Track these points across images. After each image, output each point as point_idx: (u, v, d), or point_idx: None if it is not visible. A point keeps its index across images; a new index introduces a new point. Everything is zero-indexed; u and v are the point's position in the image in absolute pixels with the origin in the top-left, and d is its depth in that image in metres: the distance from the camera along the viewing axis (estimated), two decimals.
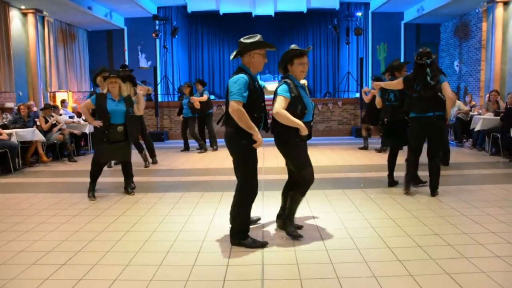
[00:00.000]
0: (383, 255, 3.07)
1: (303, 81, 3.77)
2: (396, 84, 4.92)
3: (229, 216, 3.39)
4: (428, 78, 4.53)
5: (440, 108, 4.57)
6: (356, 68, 12.82)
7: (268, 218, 3.96)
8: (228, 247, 3.26)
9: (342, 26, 13.64)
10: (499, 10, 9.81)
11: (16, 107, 8.32)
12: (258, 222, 3.86)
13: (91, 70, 13.04)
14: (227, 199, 4.67)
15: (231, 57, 3.32)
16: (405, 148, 5.08)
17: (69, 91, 11.99)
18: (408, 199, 4.64)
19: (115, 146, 4.87)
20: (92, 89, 5.08)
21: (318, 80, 15.75)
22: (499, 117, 7.58)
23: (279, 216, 3.74)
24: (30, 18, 10.12)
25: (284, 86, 3.24)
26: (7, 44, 9.33)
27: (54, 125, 8.00)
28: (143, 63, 13.31)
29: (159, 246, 3.34)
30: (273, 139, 3.42)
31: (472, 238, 3.36)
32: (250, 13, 13.12)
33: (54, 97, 11.25)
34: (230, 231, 3.33)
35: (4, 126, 7.29)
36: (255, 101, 3.18)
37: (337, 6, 12.93)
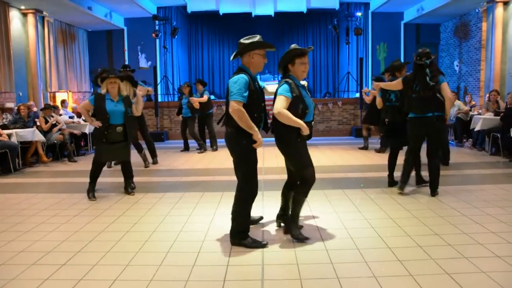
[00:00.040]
0: (383, 255, 3.07)
1: (303, 82, 3.76)
2: (396, 84, 4.92)
3: (230, 216, 3.39)
4: (428, 78, 4.53)
5: (439, 108, 4.57)
6: (356, 68, 12.82)
7: (268, 218, 3.95)
8: (228, 247, 3.26)
9: (342, 26, 13.65)
10: (499, 10, 9.81)
11: (16, 107, 8.32)
12: (259, 222, 3.86)
13: (91, 70, 13.06)
14: (227, 199, 4.68)
15: (231, 58, 3.33)
16: (406, 148, 5.08)
17: (69, 91, 11.99)
18: (408, 199, 4.64)
19: (114, 146, 4.87)
20: (93, 90, 5.09)
21: (318, 80, 15.76)
22: (499, 117, 7.58)
23: (279, 216, 3.74)
24: (30, 18, 10.12)
25: (285, 86, 3.24)
26: (7, 44, 9.33)
27: (54, 125, 8.00)
28: (143, 63, 13.31)
29: (159, 246, 3.34)
30: (273, 139, 3.41)
31: (472, 238, 3.36)
32: (250, 13, 13.12)
33: (54, 97, 11.25)
34: (230, 231, 3.33)
35: (4, 126, 7.29)
36: (255, 101, 3.18)
37: (337, 6, 12.93)
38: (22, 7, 9.91)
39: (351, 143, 10.01)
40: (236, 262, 3.00)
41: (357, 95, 12.14)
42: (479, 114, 8.69)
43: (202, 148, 8.81)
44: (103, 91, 4.86)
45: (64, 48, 11.86)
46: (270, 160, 7.23)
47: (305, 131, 3.20)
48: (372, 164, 6.99)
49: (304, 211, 4.12)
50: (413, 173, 5.16)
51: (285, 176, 3.65)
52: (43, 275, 2.81)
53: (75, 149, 8.47)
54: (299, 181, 3.38)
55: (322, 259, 3.01)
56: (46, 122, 7.90)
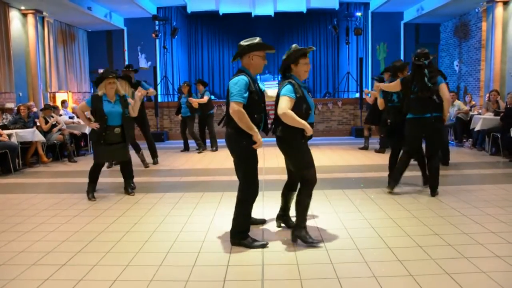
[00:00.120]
0: (383, 255, 3.07)
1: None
2: (394, 85, 4.91)
3: (230, 216, 3.39)
4: (426, 79, 4.52)
5: (438, 109, 4.57)
6: (356, 68, 12.81)
7: (268, 218, 3.95)
8: (228, 247, 3.27)
9: (341, 26, 13.64)
10: (499, 9, 9.81)
11: (16, 108, 8.32)
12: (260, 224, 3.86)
13: (91, 71, 13.06)
14: (227, 199, 4.68)
15: (232, 60, 3.35)
16: None
17: (69, 91, 11.99)
18: (408, 199, 4.64)
19: (112, 147, 4.86)
20: (93, 90, 5.09)
21: (318, 80, 15.76)
22: (499, 117, 7.58)
23: (279, 217, 3.74)
24: (30, 18, 10.12)
25: (289, 87, 3.21)
26: (7, 45, 9.33)
27: (54, 126, 8.00)
28: (143, 63, 13.30)
29: (159, 246, 3.34)
30: (273, 139, 3.41)
31: (472, 238, 3.36)
32: (250, 13, 13.11)
33: (54, 98, 11.25)
34: (230, 231, 3.34)
35: (4, 127, 7.29)
36: (256, 102, 3.19)
37: (336, 6, 12.93)
38: (22, 8, 9.91)
39: (351, 143, 10.01)
40: (236, 262, 3.00)
41: (357, 95, 12.14)
42: (479, 114, 8.70)
43: (200, 148, 8.81)
44: (100, 92, 4.84)
45: (64, 48, 11.86)
46: (271, 160, 7.23)
47: (309, 131, 3.20)
48: (372, 164, 6.99)
49: None
50: (419, 173, 5.17)
51: (285, 177, 3.65)
52: (43, 275, 2.82)
53: (75, 149, 8.48)
54: (300, 183, 3.34)
55: (322, 259, 3.01)
56: (46, 122, 7.91)
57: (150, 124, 11.28)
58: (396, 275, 2.72)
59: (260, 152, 3.27)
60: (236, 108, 3.06)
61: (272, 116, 3.37)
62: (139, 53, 13.35)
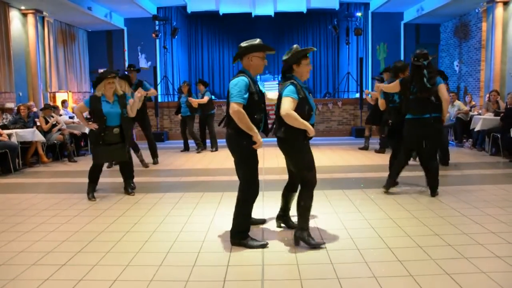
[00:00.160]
0: (383, 255, 3.07)
1: None
2: (393, 86, 4.91)
3: (230, 216, 3.39)
4: (425, 80, 4.52)
5: (437, 109, 4.57)
6: (356, 68, 12.82)
7: (268, 218, 3.95)
8: (228, 247, 3.27)
9: (342, 26, 13.64)
10: (499, 10, 9.81)
11: (16, 108, 8.32)
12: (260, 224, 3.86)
13: (91, 71, 13.06)
14: (227, 199, 4.69)
15: (233, 61, 3.36)
16: None
17: (69, 91, 11.99)
18: (408, 199, 4.64)
19: (111, 148, 4.85)
20: (93, 90, 5.08)
21: (318, 80, 15.76)
22: (499, 117, 7.58)
23: (279, 217, 3.74)
24: (30, 18, 10.12)
25: (292, 88, 3.19)
26: (7, 45, 9.33)
27: (54, 126, 8.00)
28: (143, 63, 13.30)
29: (159, 246, 3.34)
30: (273, 139, 3.41)
31: (472, 238, 3.36)
32: (250, 14, 13.12)
33: (54, 98, 11.25)
34: (230, 230, 3.34)
35: (4, 127, 7.29)
36: (256, 103, 3.20)
37: (337, 6, 12.93)
38: (22, 8, 9.91)
39: (351, 143, 10.01)
40: (236, 262, 3.00)
41: (357, 95, 12.14)
42: (479, 114, 8.70)
43: (199, 148, 8.81)
44: (98, 93, 4.83)
45: (64, 48, 11.86)
46: (271, 161, 7.23)
47: (312, 132, 3.20)
48: (372, 164, 6.99)
49: None
50: (420, 174, 5.16)
51: (285, 176, 3.65)
52: (43, 275, 2.82)
53: (75, 149, 8.48)
54: (301, 184, 3.33)
55: (322, 259, 3.01)
56: (46, 122, 7.91)
57: (151, 124, 11.33)
58: (396, 276, 2.72)
59: (260, 152, 3.27)
60: (236, 109, 3.07)
61: (273, 117, 3.37)
62: (139, 53, 13.35)
